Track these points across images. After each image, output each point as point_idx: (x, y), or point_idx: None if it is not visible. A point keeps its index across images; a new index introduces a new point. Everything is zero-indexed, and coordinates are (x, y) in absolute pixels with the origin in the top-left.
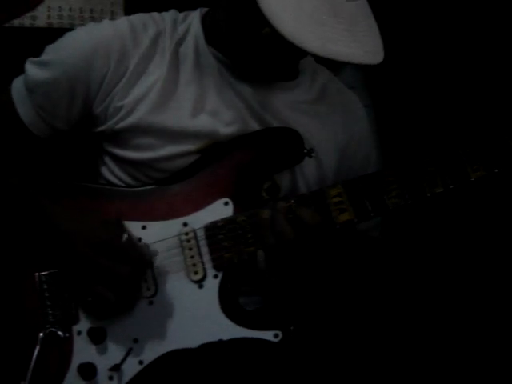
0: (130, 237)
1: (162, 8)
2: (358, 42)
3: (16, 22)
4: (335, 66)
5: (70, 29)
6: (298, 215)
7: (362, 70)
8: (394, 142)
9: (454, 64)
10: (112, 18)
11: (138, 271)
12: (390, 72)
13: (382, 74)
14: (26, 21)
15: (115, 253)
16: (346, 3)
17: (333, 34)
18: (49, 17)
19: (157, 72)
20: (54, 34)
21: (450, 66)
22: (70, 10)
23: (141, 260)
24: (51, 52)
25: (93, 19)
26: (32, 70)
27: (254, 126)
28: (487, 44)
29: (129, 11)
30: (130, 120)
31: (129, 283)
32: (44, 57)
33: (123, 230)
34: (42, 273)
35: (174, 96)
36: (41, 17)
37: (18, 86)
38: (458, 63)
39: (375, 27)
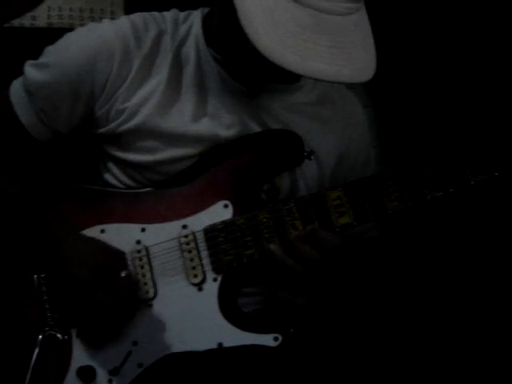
0: (130, 275)
1: (162, 8)
2: (345, 60)
3: (16, 22)
4: None
5: (70, 29)
6: (320, 238)
7: None
8: (394, 142)
9: (454, 65)
10: (112, 18)
11: (122, 309)
12: (390, 72)
13: (382, 75)
14: (25, 21)
15: (107, 283)
16: (335, 18)
17: (315, 52)
18: (49, 17)
19: (159, 74)
20: (54, 34)
21: (450, 67)
22: (70, 9)
23: (130, 300)
24: (52, 54)
25: (93, 19)
26: (32, 72)
27: (255, 128)
28: (487, 45)
29: (129, 11)
30: (133, 123)
31: (108, 316)
32: (44, 59)
33: (125, 265)
34: (42, 275)
35: (176, 99)
36: (41, 17)
37: (16, 88)
38: (458, 64)
39: (369, 41)
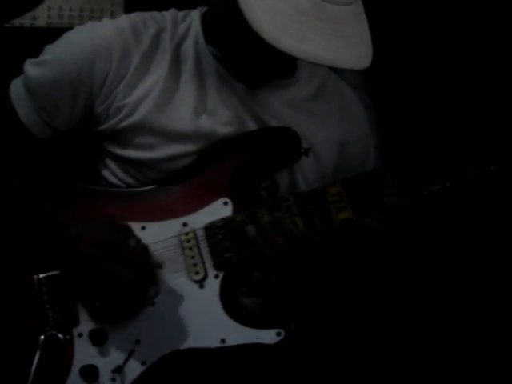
0: (138, 243)
1: (162, 7)
2: (342, 47)
3: (16, 22)
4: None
5: (70, 29)
6: (283, 228)
7: (363, 71)
8: (395, 142)
9: (454, 64)
10: (112, 18)
11: (142, 277)
12: (391, 72)
13: (383, 75)
14: (26, 21)
15: (121, 257)
16: (334, 7)
17: (313, 36)
18: (49, 17)
19: (158, 71)
20: (53, 34)
21: (450, 66)
22: (70, 9)
23: (147, 266)
24: (51, 52)
25: (93, 19)
26: (32, 70)
27: (252, 125)
28: (487, 44)
29: (129, 11)
30: (132, 120)
31: (132, 288)
32: (44, 57)
33: (131, 235)
34: (41, 275)
35: (175, 96)
36: (41, 17)
37: (16, 87)
38: (459, 64)
39: (366, 32)
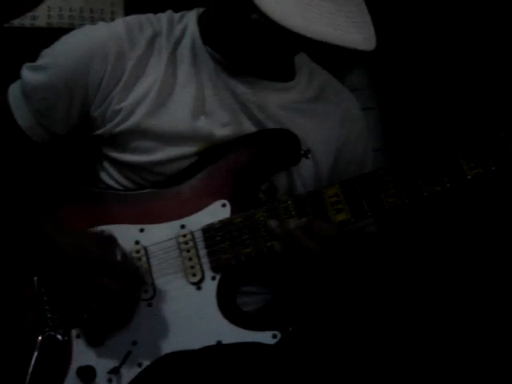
0: (124, 254)
1: (161, 8)
2: (350, 27)
3: (16, 22)
4: (337, 67)
5: (70, 29)
6: (316, 230)
7: (369, 73)
8: (400, 144)
9: (457, 66)
10: (112, 18)
11: (131, 287)
12: (397, 74)
13: (388, 76)
14: (26, 21)
15: (108, 270)
16: None
17: (320, 16)
18: (49, 17)
19: (154, 74)
20: (53, 34)
21: (453, 67)
22: (70, 10)
23: (134, 276)
24: (47, 56)
25: (93, 19)
26: (28, 74)
27: (249, 127)
28: (492, 47)
29: (129, 11)
30: (129, 123)
31: (122, 300)
32: (40, 61)
33: (117, 246)
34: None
35: (172, 98)
36: (41, 17)
37: (14, 91)
38: (461, 65)
39: (367, 16)
